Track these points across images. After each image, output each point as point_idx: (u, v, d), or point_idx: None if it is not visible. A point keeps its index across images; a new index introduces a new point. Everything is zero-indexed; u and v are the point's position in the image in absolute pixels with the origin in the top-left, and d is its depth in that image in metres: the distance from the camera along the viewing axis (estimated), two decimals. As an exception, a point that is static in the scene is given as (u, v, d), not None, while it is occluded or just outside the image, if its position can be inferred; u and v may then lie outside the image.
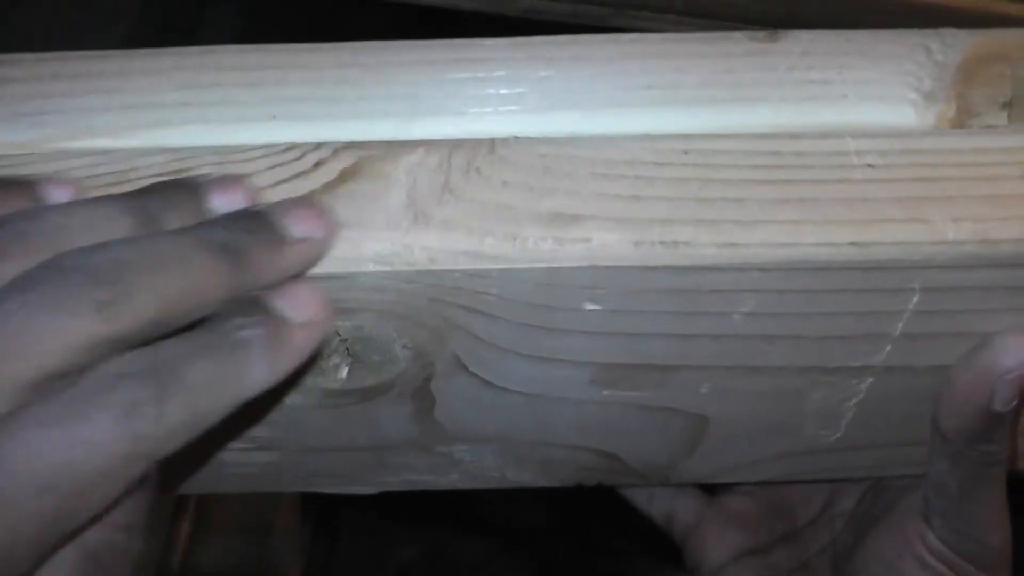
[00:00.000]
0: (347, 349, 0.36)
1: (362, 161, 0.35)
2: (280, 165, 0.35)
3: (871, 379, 0.38)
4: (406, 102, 0.37)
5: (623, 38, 0.38)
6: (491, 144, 0.35)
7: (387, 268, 0.33)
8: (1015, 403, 0.36)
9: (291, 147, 0.35)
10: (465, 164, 0.35)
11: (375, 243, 0.33)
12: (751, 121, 0.36)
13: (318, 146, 0.35)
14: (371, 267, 0.33)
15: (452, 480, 0.42)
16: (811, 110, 0.36)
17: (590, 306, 0.35)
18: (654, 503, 0.48)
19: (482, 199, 0.34)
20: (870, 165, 0.35)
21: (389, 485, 0.43)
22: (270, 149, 0.35)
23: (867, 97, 0.37)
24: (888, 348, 0.37)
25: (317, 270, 0.33)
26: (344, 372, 0.37)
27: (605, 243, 0.33)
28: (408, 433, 0.39)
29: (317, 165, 0.35)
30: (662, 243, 0.33)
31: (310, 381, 0.37)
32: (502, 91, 0.37)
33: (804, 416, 0.39)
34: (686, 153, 0.35)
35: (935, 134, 0.36)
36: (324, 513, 0.85)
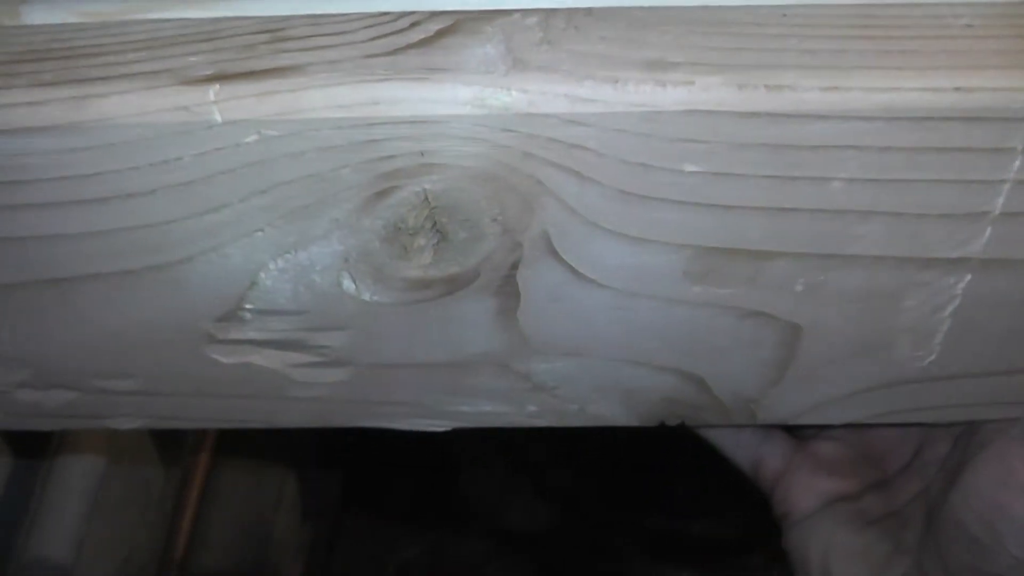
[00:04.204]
0: (434, 224, 0.32)
1: (459, 22, 0.32)
2: (375, 26, 0.32)
3: (969, 276, 0.34)
4: None
5: None
6: (588, 10, 0.33)
7: (483, 112, 0.30)
8: None
9: (385, 13, 0.33)
10: (563, 23, 0.32)
11: (471, 86, 0.30)
12: None
13: (413, 12, 0.33)
14: (467, 110, 0.30)
15: (530, 414, 0.37)
16: None
17: (689, 166, 0.31)
18: (740, 448, 0.43)
19: (581, 50, 0.31)
20: (968, 25, 0.33)
21: (464, 418, 0.38)
22: (365, 15, 0.33)
23: None
24: (988, 232, 0.33)
25: (409, 112, 0.30)
26: (429, 254, 0.33)
27: (708, 85, 0.30)
28: (488, 342, 0.35)
29: (413, 25, 0.32)
30: (766, 87, 0.31)
31: (392, 267, 0.33)
32: None
33: (898, 331, 0.35)
34: (784, 15, 0.33)
35: None
36: (324, 513, 0.79)
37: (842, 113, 0.31)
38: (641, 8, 0.33)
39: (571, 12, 0.33)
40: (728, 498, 0.43)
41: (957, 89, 0.31)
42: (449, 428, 0.38)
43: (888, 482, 0.42)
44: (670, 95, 0.30)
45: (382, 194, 0.32)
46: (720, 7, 0.33)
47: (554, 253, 0.33)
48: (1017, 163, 0.32)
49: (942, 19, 0.33)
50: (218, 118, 0.30)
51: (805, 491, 0.42)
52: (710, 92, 0.31)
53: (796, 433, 0.43)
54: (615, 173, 0.32)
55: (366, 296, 0.33)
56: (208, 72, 0.31)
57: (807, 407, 0.37)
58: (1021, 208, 0.33)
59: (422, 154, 0.31)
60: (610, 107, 0.31)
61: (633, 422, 0.38)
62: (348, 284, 0.33)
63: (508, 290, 0.34)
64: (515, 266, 0.33)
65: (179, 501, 0.77)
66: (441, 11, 0.33)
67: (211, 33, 0.32)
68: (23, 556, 0.63)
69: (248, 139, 0.31)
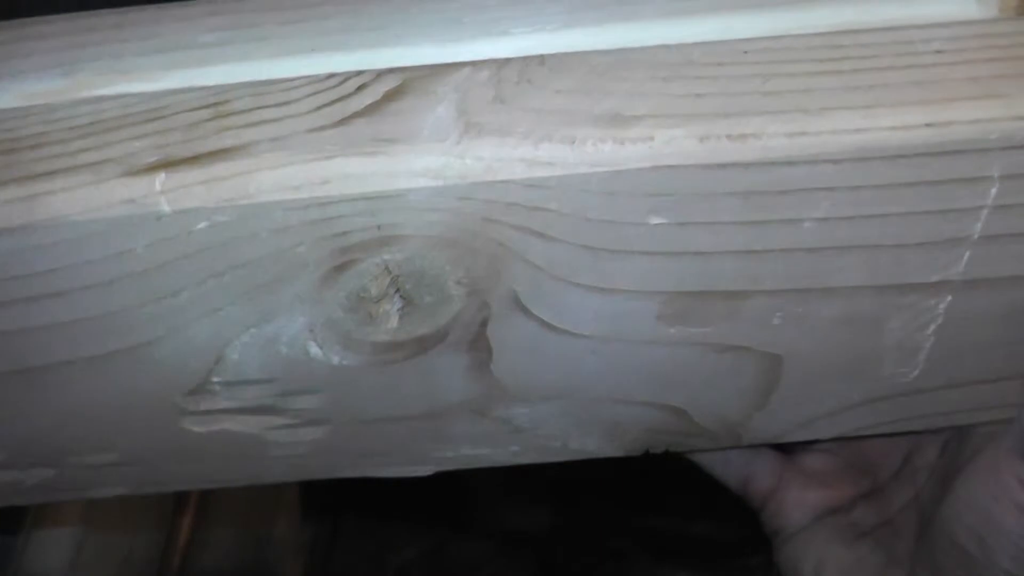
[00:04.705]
0: (397, 290, 0.31)
1: (407, 82, 0.31)
2: (320, 92, 0.31)
3: (950, 297, 0.33)
4: (448, 27, 0.33)
5: None
6: (541, 59, 0.31)
7: (439, 183, 0.29)
8: None
9: (332, 75, 0.31)
10: (516, 76, 0.31)
11: (425, 156, 0.29)
12: (810, 22, 0.32)
13: (360, 72, 0.31)
14: (422, 182, 0.29)
15: (512, 453, 0.37)
16: (869, 8, 0.33)
17: (655, 219, 0.30)
18: (728, 468, 0.43)
19: (536, 106, 0.30)
20: (938, 51, 0.31)
21: (446, 463, 0.37)
22: (310, 79, 0.31)
23: None
24: (967, 255, 0.32)
25: (362, 188, 0.29)
26: (395, 319, 0.32)
27: (669, 140, 0.29)
28: (465, 393, 0.34)
29: (360, 89, 0.31)
30: (729, 137, 0.29)
31: (359, 333, 0.32)
32: (549, 8, 0.34)
33: (881, 351, 0.34)
34: (746, 53, 0.31)
35: (1001, 20, 0.32)
36: (324, 514, 0.80)
37: (811, 158, 0.29)
38: (597, 52, 0.32)
39: (524, 62, 0.31)
40: (729, 499, 0.42)
41: (929, 125, 0.29)
42: (432, 472, 0.38)
43: (879, 490, 0.42)
44: (631, 152, 0.29)
45: (341, 268, 0.31)
46: (679, 45, 0.31)
47: (523, 309, 0.32)
48: (994, 190, 0.31)
49: (912, 45, 0.31)
50: (166, 208, 0.29)
51: (796, 506, 0.42)
52: (672, 146, 0.29)
53: (784, 448, 0.43)
54: (579, 231, 0.30)
55: (335, 361, 0.33)
56: (153, 159, 0.29)
57: (793, 426, 0.37)
58: (1000, 231, 0.32)
59: (379, 228, 0.30)
60: (570, 169, 0.29)
61: (618, 453, 0.37)
62: (316, 351, 0.32)
63: (480, 345, 0.33)
64: (484, 323, 0.32)
65: (179, 501, 0.77)
66: (389, 69, 0.31)
67: (154, 112, 0.31)
68: (22, 557, 0.63)
69: (199, 226, 0.29)
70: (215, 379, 0.33)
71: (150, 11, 0.34)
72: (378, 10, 0.34)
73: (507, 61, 0.31)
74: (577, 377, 0.34)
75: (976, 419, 0.37)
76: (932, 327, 0.34)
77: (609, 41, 0.32)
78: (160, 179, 0.29)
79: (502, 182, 0.29)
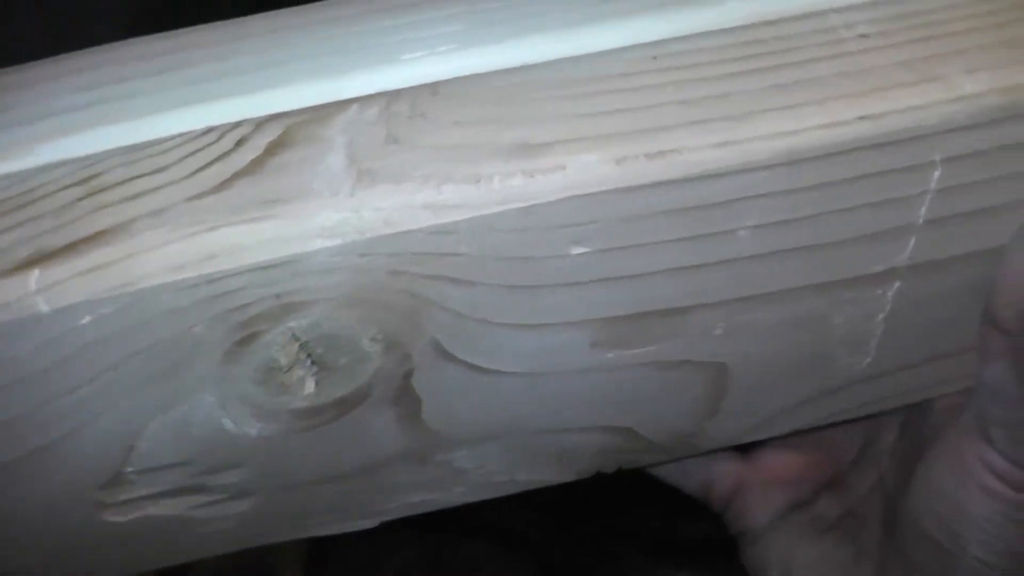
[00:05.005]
0: (308, 355, 0.29)
1: (290, 129, 0.28)
2: (197, 152, 0.28)
3: (898, 284, 0.31)
4: (331, 59, 0.30)
5: None
6: (434, 87, 0.28)
7: (336, 242, 0.26)
8: None
9: (208, 130, 0.28)
10: (408, 111, 0.28)
11: (317, 214, 0.26)
12: (723, 17, 0.30)
13: (238, 124, 0.28)
14: (318, 244, 0.26)
15: (459, 495, 0.35)
16: None
17: (577, 249, 0.28)
18: (686, 476, 0.40)
19: (433, 143, 0.27)
20: (863, 35, 0.29)
21: (389, 513, 0.35)
22: (186, 137, 0.28)
23: None
24: (912, 242, 0.30)
25: (252, 259, 0.26)
26: (311, 385, 0.29)
27: (583, 166, 0.26)
28: (398, 445, 0.32)
29: (239, 143, 0.28)
30: (647, 155, 0.27)
31: (274, 403, 0.29)
32: (440, 30, 0.30)
33: (829, 345, 0.32)
34: (655, 59, 0.28)
35: None
36: None
37: (738, 168, 0.27)
38: (496, 73, 0.29)
39: (415, 93, 0.28)
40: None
41: (863, 118, 0.27)
42: (377, 524, 0.36)
43: (842, 478, 0.40)
44: (542, 185, 0.27)
45: (244, 342, 0.28)
46: (585, 57, 0.29)
47: (448, 356, 0.29)
48: (937, 174, 0.29)
49: (834, 32, 0.29)
50: (44, 308, 0.26)
51: (758, 506, 0.40)
52: (587, 173, 0.27)
53: (743, 447, 0.41)
54: (496, 271, 0.28)
55: (253, 433, 0.30)
56: (26, 254, 0.26)
57: (748, 428, 0.35)
58: (945, 213, 0.30)
59: (278, 296, 0.27)
60: (477, 210, 0.27)
61: (568, 478, 0.35)
62: (231, 427, 0.30)
63: (406, 398, 0.30)
64: (408, 376, 0.30)
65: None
66: (270, 116, 0.28)
67: (23, 196, 0.27)
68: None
69: (83, 321, 0.26)
70: (129, 469, 0.30)
71: (11, 73, 0.31)
72: (253, 47, 0.30)
73: (398, 93, 0.28)
74: (515, 414, 0.32)
75: (934, 393, 0.35)
76: (881, 316, 0.32)
77: (510, 59, 0.29)
78: (35, 277, 0.26)
79: (404, 233, 0.26)
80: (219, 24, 0.31)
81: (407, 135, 0.27)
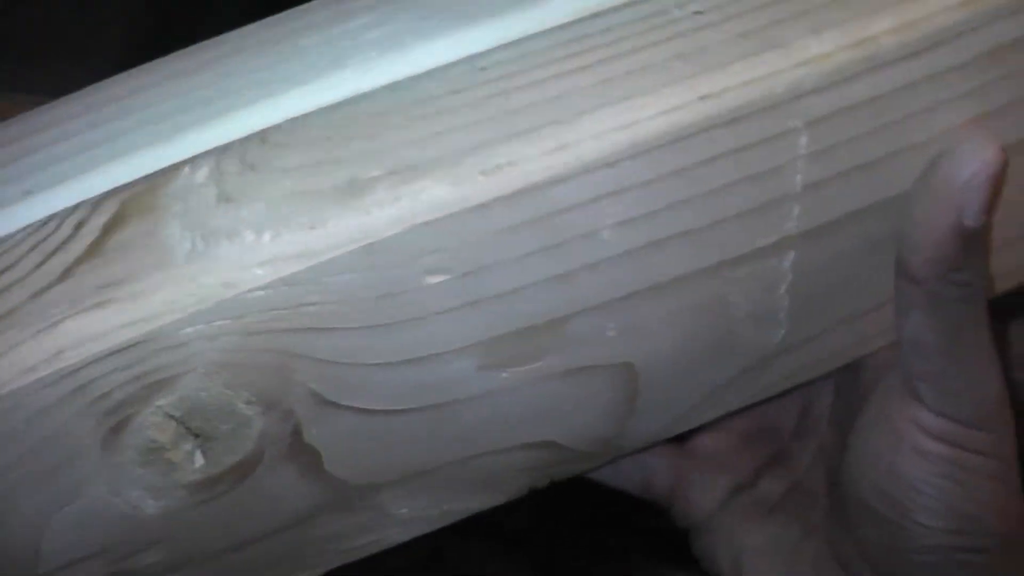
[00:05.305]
0: (188, 430, 0.28)
1: (125, 205, 0.27)
2: (40, 244, 0.27)
3: (792, 253, 0.30)
4: (162, 123, 0.29)
5: None
6: (261, 136, 0.27)
7: (181, 314, 0.25)
8: (987, 214, 0.29)
9: (50, 219, 0.27)
10: (238, 166, 0.27)
11: (159, 290, 0.25)
12: (547, 18, 0.28)
13: (76, 207, 0.27)
14: (164, 320, 0.26)
15: (395, 535, 0.33)
16: None
17: (433, 279, 0.27)
18: (622, 476, 0.39)
19: (266, 195, 0.26)
20: (697, 12, 0.27)
21: (330, 560, 0.33)
22: (30, 229, 0.27)
23: None
24: (796, 209, 0.29)
25: (101, 347, 0.26)
26: (199, 458, 0.29)
27: (418, 193, 0.25)
28: (313, 498, 0.31)
29: (78, 228, 0.27)
30: (483, 173, 0.26)
31: (167, 481, 0.29)
32: (260, 75, 0.29)
33: (736, 326, 0.31)
34: (483, 70, 0.27)
35: None
36: None
37: (579, 170, 0.26)
38: (320, 111, 0.28)
39: (245, 145, 0.27)
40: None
41: (704, 98, 0.26)
42: (323, 572, 0.35)
43: (783, 453, 0.39)
44: (378, 220, 0.26)
45: (117, 428, 0.27)
46: (409, 79, 0.27)
47: (332, 404, 0.28)
48: (804, 139, 0.27)
49: (666, 13, 0.27)
50: None
51: (700, 496, 0.38)
52: (422, 200, 0.26)
53: (677, 436, 0.39)
54: (356, 314, 0.27)
55: (155, 513, 0.29)
56: None
57: (672, 421, 0.33)
58: (823, 175, 0.28)
59: (138, 378, 0.26)
60: (318, 257, 0.26)
61: (500, 501, 0.34)
62: (130, 511, 0.29)
63: (303, 452, 0.29)
64: (297, 431, 0.29)
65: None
66: (105, 194, 0.27)
67: None
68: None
69: None
70: (42, 571, 0.30)
71: None
72: (85, 123, 0.30)
73: (226, 148, 0.27)
74: (426, 449, 0.31)
75: (863, 351, 0.34)
76: (783, 287, 0.30)
77: (336, 93, 0.28)
78: None
79: (247, 293, 0.26)
80: (46, 107, 0.30)
81: (239, 191, 0.26)
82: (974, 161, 0.28)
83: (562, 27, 0.27)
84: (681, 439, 0.39)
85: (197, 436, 0.28)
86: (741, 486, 0.37)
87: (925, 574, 0.32)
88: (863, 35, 0.26)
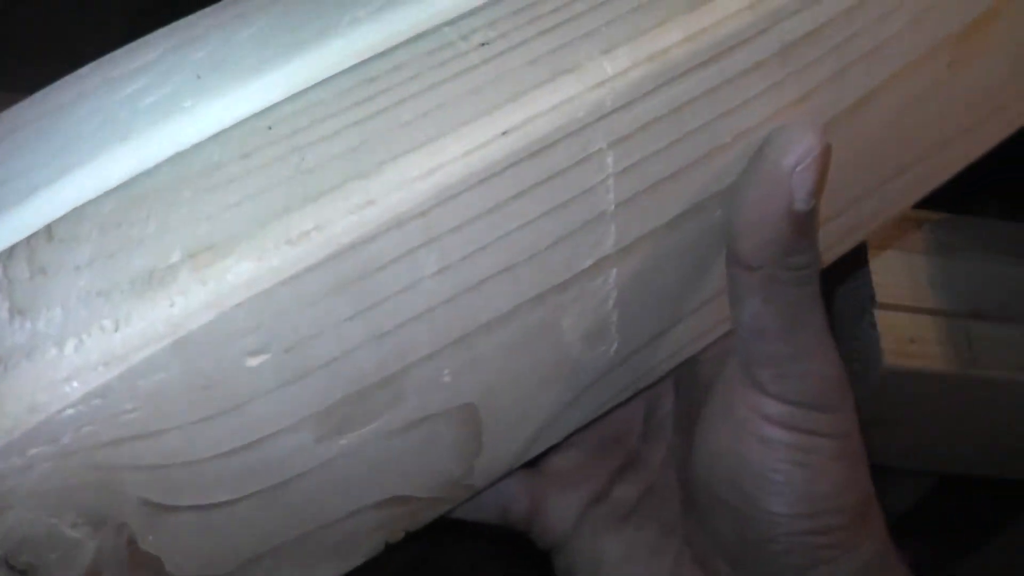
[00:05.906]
0: (12, 567, 0.25)
1: None
2: None
3: (615, 269, 0.29)
4: None
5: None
6: (48, 232, 0.25)
7: None
8: (816, 197, 0.29)
9: None
10: (27, 270, 0.24)
11: None
12: (328, 61, 0.27)
13: None
14: None
15: None
16: (388, 17, 0.27)
17: (255, 360, 0.25)
18: (480, 510, 0.38)
19: (60, 299, 0.24)
20: (484, 43, 0.26)
21: None
22: None
23: None
24: (612, 228, 0.28)
25: None
26: None
27: (221, 275, 0.24)
28: None
29: None
30: (288, 242, 0.24)
31: None
32: (38, 160, 0.26)
33: (569, 347, 0.30)
34: (270, 129, 0.25)
35: None
36: None
37: (389, 224, 0.24)
38: (106, 194, 0.25)
39: (30, 245, 0.25)
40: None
41: (506, 133, 0.25)
42: None
43: (633, 459, 0.38)
44: (183, 310, 0.24)
45: None
46: (193, 149, 0.25)
47: (166, 508, 0.26)
48: (610, 159, 0.27)
49: (452, 47, 0.26)
50: None
51: (558, 513, 0.37)
52: (227, 281, 0.24)
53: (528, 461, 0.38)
54: (178, 411, 0.25)
55: None
56: None
57: (521, 449, 0.32)
58: (634, 190, 0.28)
59: None
60: (125, 362, 0.23)
61: (358, 563, 0.33)
62: None
63: (143, 561, 0.27)
64: (132, 542, 0.27)
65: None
66: None
67: None
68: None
69: None
70: None
71: None
72: None
73: (12, 251, 0.25)
74: (271, 531, 0.29)
75: (697, 348, 0.34)
76: (610, 303, 0.30)
77: (120, 171, 0.26)
78: None
79: (56, 414, 0.23)
80: None
81: (31, 301, 0.24)
82: (799, 146, 0.28)
83: (349, 70, 0.26)
84: (534, 462, 0.38)
85: (24, 571, 0.26)
86: (596, 498, 0.37)
87: (779, 561, 0.32)
88: (654, 49, 0.26)
